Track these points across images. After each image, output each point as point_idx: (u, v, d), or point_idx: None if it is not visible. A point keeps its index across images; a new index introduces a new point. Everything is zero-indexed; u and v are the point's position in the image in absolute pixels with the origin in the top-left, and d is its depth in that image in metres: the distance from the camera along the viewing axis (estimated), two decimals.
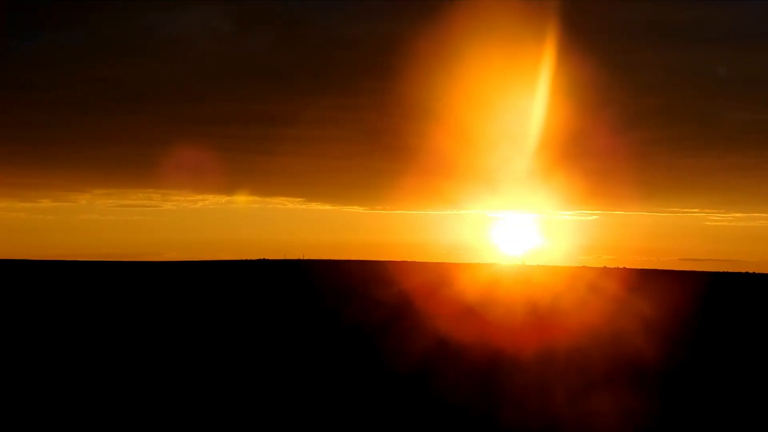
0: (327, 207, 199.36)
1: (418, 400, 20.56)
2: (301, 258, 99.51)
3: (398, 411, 19.46)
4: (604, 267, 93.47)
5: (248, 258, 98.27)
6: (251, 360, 26.01)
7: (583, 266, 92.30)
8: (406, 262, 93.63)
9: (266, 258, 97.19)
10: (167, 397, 20.46)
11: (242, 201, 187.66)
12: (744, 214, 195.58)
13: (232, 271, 79.44)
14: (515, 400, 20.74)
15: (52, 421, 17.97)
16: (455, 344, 28.86)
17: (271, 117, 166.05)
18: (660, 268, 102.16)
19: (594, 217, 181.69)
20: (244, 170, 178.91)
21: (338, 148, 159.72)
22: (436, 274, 67.66)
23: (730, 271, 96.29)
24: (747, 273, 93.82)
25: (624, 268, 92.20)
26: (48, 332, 32.11)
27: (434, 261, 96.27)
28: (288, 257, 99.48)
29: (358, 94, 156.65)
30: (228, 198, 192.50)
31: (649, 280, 66.05)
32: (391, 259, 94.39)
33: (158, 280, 65.29)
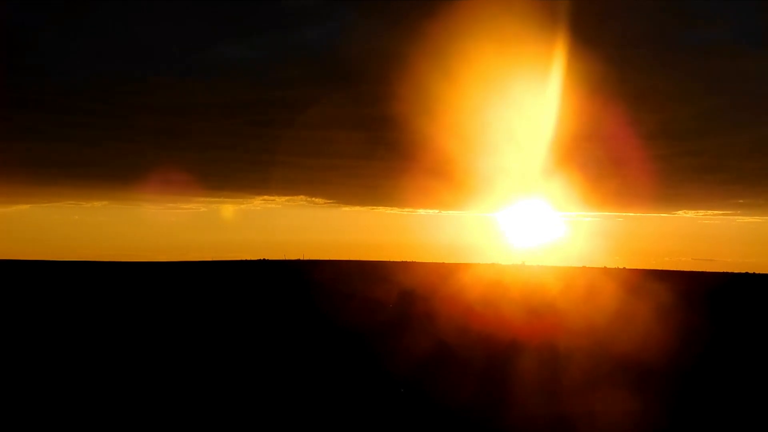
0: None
1: (417, 400, 20.69)
2: (301, 258, 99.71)
3: (398, 411, 19.60)
4: (605, 267, 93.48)
5: (248, 258, 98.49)
6: (252, 359, 26.15)
7: (583, 266, 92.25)
8: (406, 262, 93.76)
9: (266, 258, 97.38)
10: (168, 394, 20.64)
11: (229, 211, 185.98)
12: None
13: (233, 271, 79.57)
14: (513, 400, 20.89)
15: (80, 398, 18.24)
16: (455, 345, 28.96)
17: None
18: (661, 268, 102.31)
19: (597, 218, 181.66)
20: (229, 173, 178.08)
21: (340, 148, 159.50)
22: (437, 274, 67.68)
23: (733, 271, 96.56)
24: (747, 273, 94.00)
25: (624, 268, 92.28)
26: (51, 330, 32.35)
27: (435, 261, 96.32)
28: (288, 257, 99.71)
29: (361, 95, 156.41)
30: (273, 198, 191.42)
31: (647, 280, 66.03)
32: (391, 259, 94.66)
33: (165, 281, 65.50)
